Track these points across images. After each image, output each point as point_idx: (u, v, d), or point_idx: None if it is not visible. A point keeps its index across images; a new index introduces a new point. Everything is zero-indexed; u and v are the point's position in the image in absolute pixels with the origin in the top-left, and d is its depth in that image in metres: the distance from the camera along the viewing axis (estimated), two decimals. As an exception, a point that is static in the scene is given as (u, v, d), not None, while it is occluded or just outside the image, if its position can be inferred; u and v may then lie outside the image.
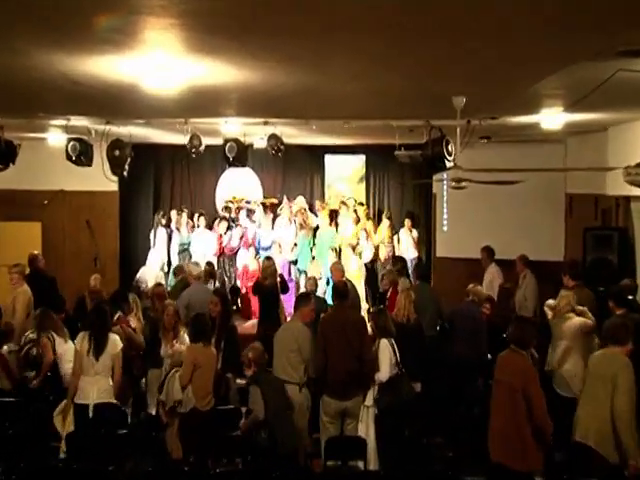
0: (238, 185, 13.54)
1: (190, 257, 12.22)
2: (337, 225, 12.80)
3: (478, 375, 7.50)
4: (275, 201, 13.28)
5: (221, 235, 12.35)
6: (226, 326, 7.42)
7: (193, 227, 12.57)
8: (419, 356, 7.23)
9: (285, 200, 13.12)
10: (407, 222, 12.66)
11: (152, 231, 12.49)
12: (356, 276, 10.53)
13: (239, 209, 13.00)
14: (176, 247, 12.35)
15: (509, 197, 10.82)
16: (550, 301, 7.39)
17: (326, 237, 12.35)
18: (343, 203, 13.08)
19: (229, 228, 12.53)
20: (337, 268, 9.24)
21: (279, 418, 5.97)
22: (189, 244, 12.43)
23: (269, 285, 9.03)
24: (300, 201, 13.16)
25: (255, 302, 9.98)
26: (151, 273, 10.38)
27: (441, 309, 8.70)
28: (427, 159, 7.01)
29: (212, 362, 6.49)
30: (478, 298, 8.00)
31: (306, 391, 6.51)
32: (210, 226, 12.57)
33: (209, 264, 10.10)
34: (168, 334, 7.20)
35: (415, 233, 12.69)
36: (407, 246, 12.44)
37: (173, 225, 12.50)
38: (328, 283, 10.13)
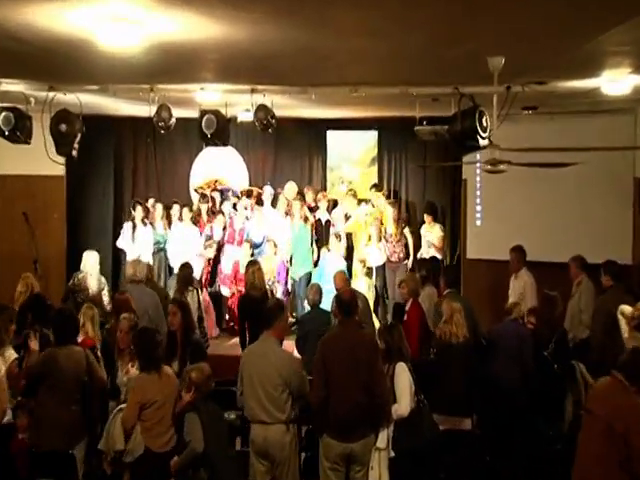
0: (217, 169, 13.60)
1: (166, 259, 12.36)
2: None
3: (526, 404, 7.62)
4: (260, 191, 13.32)
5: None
6: (189, 341, 7.42)
7: (170, 221, 12.63)
8: (471, 384, 7.39)
9: (269, 189, 13.08)
10: (427, 218, 12.69)
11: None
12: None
13: (208, 196, 13.05)
14: (150, 246, 12.41)
15: (560, 184, 10.71)
16: (626, 307, 7.37)
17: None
18: (351, 193, 12.99)
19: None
20: (341, 277, 9.23)
21: (221, 456, 5.93)
22: (165, 242, 12.49)
23: (256, 296, 8.90)
24: (291, 189, 13.09)
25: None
26: (93, 277, 10.15)
27: (477, 325, 8.78)
28: (456, 136, 7.06)
29: (170, 394, 6.35)
30: (522, 316, 8.28)
31: (294, 428, 6.49)
32: (196, 220, 12.63)
33: (187, 266, 9.91)
34: (124, 357, 7.14)
35: (439, 230, 12.66)
36: (428, 246, 12.47)
37: (138, 219, 12.45)
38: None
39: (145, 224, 12.40)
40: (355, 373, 6.20)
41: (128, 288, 9.04)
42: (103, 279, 10.39)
